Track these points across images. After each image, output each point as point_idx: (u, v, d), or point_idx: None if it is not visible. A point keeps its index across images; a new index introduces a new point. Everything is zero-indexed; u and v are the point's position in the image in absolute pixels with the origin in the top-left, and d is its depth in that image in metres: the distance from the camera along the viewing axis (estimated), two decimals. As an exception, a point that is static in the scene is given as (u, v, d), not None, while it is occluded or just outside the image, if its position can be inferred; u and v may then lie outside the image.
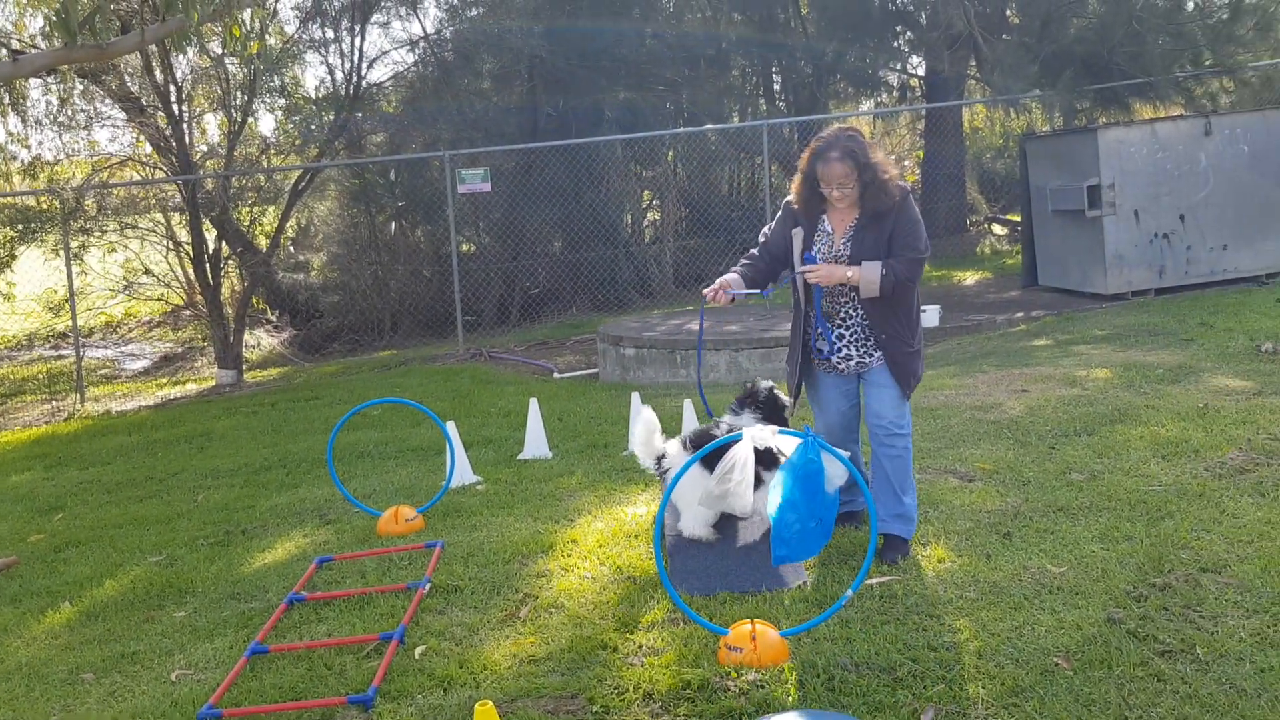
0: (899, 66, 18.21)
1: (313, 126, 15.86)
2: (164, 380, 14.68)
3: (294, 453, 8.09)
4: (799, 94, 18.31)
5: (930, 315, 10.93)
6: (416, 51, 16.87)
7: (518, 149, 14.92)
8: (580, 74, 15.15)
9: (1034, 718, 3.18)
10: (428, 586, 4.60)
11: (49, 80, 14.10)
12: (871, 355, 4.52)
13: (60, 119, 14.64)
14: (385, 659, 3.88)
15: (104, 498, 7.55)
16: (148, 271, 16.46)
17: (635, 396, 7.10)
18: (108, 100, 14.93)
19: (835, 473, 4.05)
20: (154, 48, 12.79)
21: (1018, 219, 16.17)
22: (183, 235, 15.40)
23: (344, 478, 6.72)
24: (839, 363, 4.58)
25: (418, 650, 4.01)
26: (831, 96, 18.39)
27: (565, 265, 16.04)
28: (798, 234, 4.58)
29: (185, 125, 14.32)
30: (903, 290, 4.41)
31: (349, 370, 13.23)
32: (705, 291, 4.58)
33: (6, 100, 13.87)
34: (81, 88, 14.57)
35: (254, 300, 16.58)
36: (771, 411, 4.88)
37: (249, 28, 7.72)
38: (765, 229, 4.85)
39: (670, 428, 6.67)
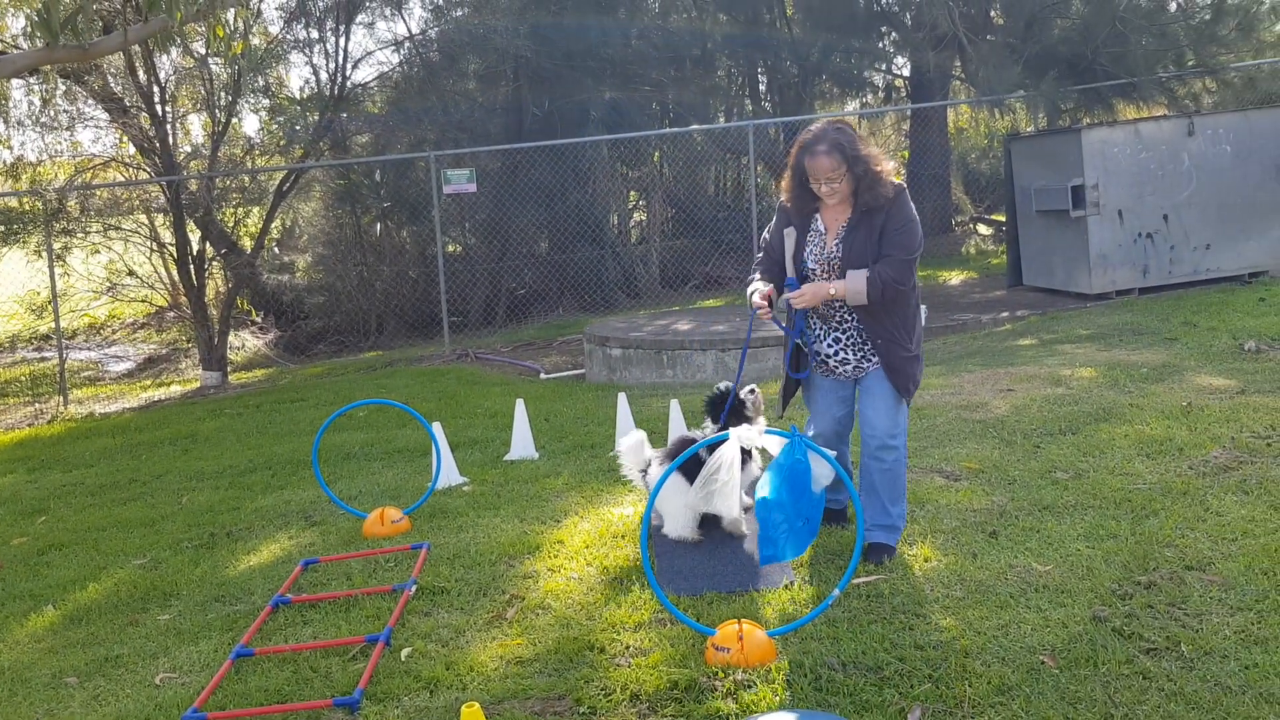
0: (884, 67, 18.29)
1: (297, 127, 15.80)
2: (148, 382, 14.60)
3: (279, 454, 8.05)
4: (785, 94, 18.35)
5: (916, 315, 10.94)
6: (401, 52, 16.85)
7: (503, 149, 14.90)
8: (566, 74, 15.14)
9: (1020, 716, 3.19)
10: (414, 588, 4.59)
11: (31, 81, 14.03)
12: (870, 360, 4.40)
13: (43, 120, 14.55)
14: (371, 661, 3.86)
15: (88, 500, 7.51)
16: (131, 273, 16.36)
17: (622, 397, 7.10)
18: (90, 101, 14.85)
19: (822, 472, 4.05)
20: (137, 48, 12.72)
21: (1002, 219, 16.23)
22: (167, 236, 15.31)
23: (330, 479, 6.70)
24: (836, 366, 4.46)
25: (404, 652, 3.99)
26: (817, 96, 18.42)
27: (551, 266, 16.03)
28: (790, 234, 4.42)
29: (169, 126, 14.26)
30: (894, 293, 4.23)
31: (334, 371, 13.19)
32: (758, 308, 4.37)
33: (-12, 101, 13.79)
34: (64, 88, 14.48)
35: (239, 301, 16.48)
36: (735, 415, 4.82)
37: (233, 28, 7.69)
38: (766, 232, 4.68)
39: (657, 428, 6.68)
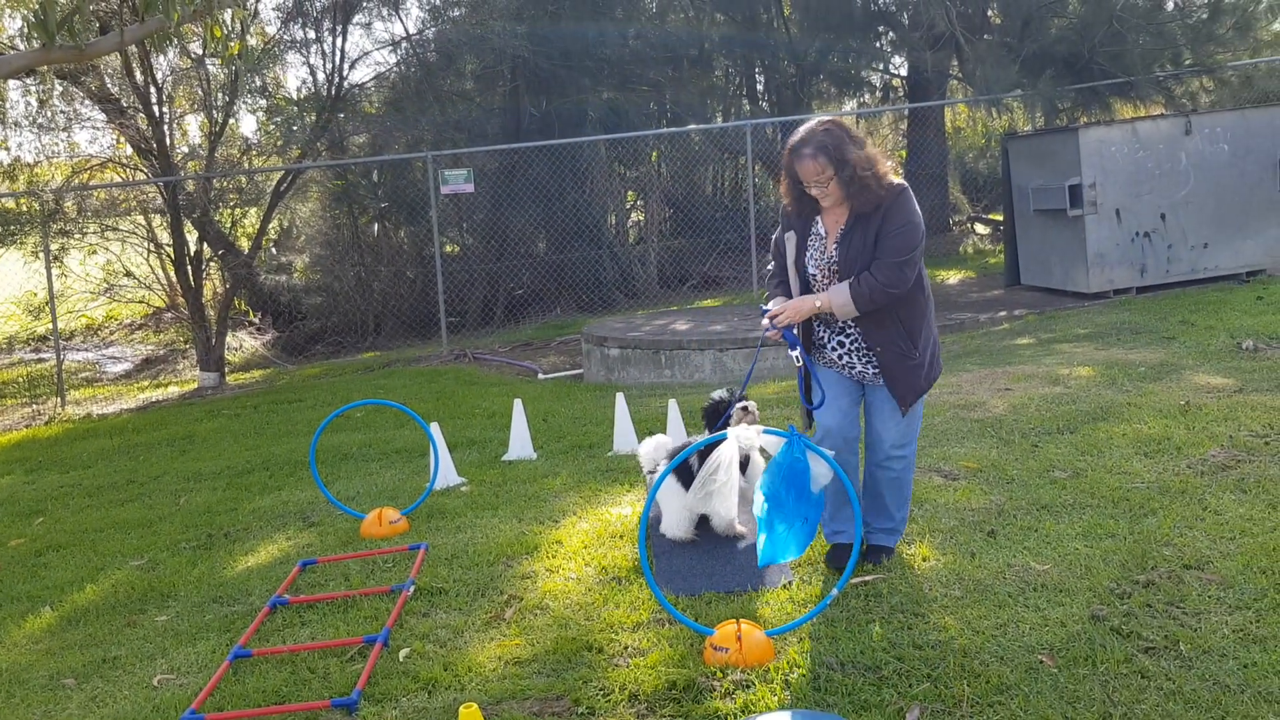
0: (881, 66, 18.26)
1: (294, 127, 15.79)
2: (145, 383, 14.60)
3: (277, 455, 8.05)
4: (782, 94, 18.34)
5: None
6: (399, 52, 16.82)
7: (501, 149, 14.89)
8: (563, 74, 15.14)
9: (1019, 715, 3.18)
10: (412, 589, 4.58)
11: (28, 81, 14.00)
12: (875, 366, 4.24)
13: (39, 120, 14.53)
14: (369, 662, 3.86)
15: (85, 501, 7.50)
16: (129, 274, 16.36)
17: (620, 397, 7.09)
18: (87, 102, 14.82)
19: (820, 472, 4.03)
20: (134, 48, 12.72)
21: (1000, 218, 16.25)
22: (164, 237, 15.30)
23: (327, 480, 6.70)
24: (843, 369, 4.31)
25: (402, 653, 3.99)
26: (815, 97, 18.42)
27: (549, 266, 16.02)
28: (790, 238, 4.29)
29: (166, 126, 14.24)
30: (889, 298, 4.03)
31: (332, 372, 13.18)
32: (769, 331, 4.24)
33: (-15, 102, 13.77)
34: (61, 89, 14.46)
35: (236, 302, 16.48)
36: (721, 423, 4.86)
37: (230, 28, 7.68)
38: (773, 238, 4.53)
39: (655, 428, 6.68)
